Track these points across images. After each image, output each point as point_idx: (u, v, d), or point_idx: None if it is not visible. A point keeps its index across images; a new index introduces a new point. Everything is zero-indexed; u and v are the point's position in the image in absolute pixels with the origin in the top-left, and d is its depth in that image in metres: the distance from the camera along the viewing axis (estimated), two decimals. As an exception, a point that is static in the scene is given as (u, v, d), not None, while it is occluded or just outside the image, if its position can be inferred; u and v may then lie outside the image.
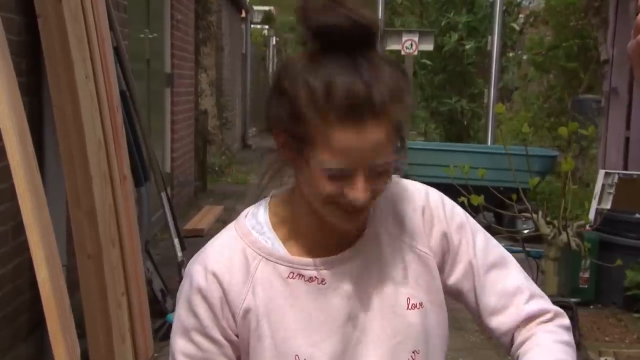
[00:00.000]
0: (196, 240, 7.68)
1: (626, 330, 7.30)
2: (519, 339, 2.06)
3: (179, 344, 2.03)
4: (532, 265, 7.05)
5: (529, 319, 2.06)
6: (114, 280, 4.20)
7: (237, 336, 2.02)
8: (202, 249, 2.11)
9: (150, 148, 5.59)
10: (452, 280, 2.10)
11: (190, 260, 2.09)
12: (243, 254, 1.99)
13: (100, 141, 4.15)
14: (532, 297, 2.09)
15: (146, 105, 7.15)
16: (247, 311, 2.00)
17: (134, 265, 4.49)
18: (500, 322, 2.07)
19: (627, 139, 8.76)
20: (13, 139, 2.96)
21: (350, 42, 1.77)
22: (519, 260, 6.87)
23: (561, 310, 2.12)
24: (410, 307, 2.04)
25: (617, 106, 8.57)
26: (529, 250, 7.34)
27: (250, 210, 2.11)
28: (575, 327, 5.31)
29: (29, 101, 3.95)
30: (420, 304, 2.06)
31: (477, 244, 2.09)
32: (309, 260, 1.98)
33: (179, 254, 5.81)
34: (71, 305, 3.74)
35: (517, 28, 15.41)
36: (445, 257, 2.09)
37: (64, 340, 3.05)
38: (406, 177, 7.60)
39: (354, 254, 1.99)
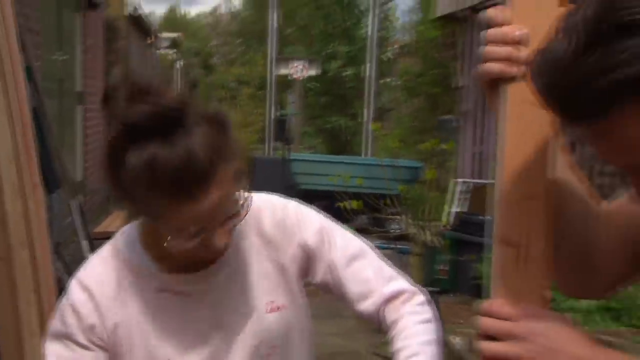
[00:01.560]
0: (105, 242, 7.71)
1: (474, 314, 7.41)
2: (387, 318, 2.11)
3: (50, 348, 2.02)
4: (401, 260, 7.08)
5: (391, 299, 2.10)
6: (23, 280, 4.17)
7: (106, 346, 2.01)
8: (83, 265, 2.10)
9: (61, 159, 5.58)
10: (318, 278, 2.15)
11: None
12: (116, 271, 2.00)
13: (10, 154, 4.15)
14: (390, 279, 2.15)
15: (58, 121, 7.07)
16: (118, 323, 2.00)
17: (44, 265, 4.45)
18: (366, 306, 2.11)
19: (480, 153, 9.14)
20: None
21: (162, 125, 1.71)
22: (390, 256, 7.15)
23: (417, 289, 2.17)
24: (269, 310, 2.09)
25: (469, 126, 8.88)
26: (398, 247, 7.55)
27: (125, 229, 2.12)
28: (435, 312, 5.53)
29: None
30: (279, 307, 2.10)
31: (337, 243, 2.12)
32: (178, 276, 2.01)
33: (87, 254, 5.86)
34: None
35: (390, 58, 15.88)
36: (308, 262, 2.13)
37: None
38: (296, 185, 7.88)
39: (218, 269, 2.02)
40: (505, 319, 1.52)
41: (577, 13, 1.34)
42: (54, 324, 2.03)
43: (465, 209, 7.69)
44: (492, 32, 1.55)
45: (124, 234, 2.11)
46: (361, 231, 9.32)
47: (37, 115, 4.98)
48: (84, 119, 9.05)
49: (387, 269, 2.18)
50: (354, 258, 2.11)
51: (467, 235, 6.95)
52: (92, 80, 9.71)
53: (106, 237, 7.60)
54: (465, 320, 7.21)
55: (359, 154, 12.90)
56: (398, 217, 8.03)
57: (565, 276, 1.73)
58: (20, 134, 4.38)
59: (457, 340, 5.04)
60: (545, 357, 1.49)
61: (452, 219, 7.21)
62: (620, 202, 1.80)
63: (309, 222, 2.12)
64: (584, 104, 1.34)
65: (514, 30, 1.53)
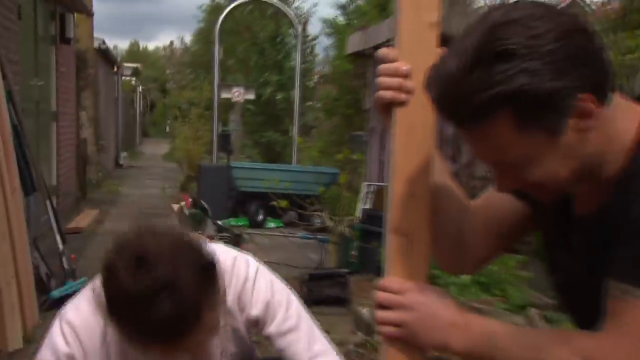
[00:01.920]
0: (76, 236, 7.58)
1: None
2: None
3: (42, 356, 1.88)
4: (321, 248, 7.16)
5: None
6: (5, 266, 4.11)
7: None
8: (72, 303, 1.93)
9: (38, 168, 5.50)
10: (264, 334, 2.04)
11: (62, 311, 1.91)
12: (102, 322, 1.81)
13: None
14: (317, 356, 2.01)
15: (35, 136, 6.91)
16: None
17: (22, 255, 4.40)
18: None
19: (382, 161, 9.23)
20: None
21: (153, 294, 1.60)
22: (312, 246, 7.07)
23: None
24: (222, 356, 2.00)
25: (375, 139, 8.93)
26: (319, 237, 7.54)
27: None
28: (348, 288, 5.50)
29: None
30: (231, 354, 2.03)
31: (276, 319, 2.01)
32: None
33: (60, 246, 5.68)
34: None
35: (313, 85, 15.94)
36: (256, 325, 2.04)
37: None
38: (236, 188, 7.70)
39: None
40: (396, 293, 1.54)
41: (465, 39, 1.38)
42: (45, 354, 1.87)
43: (371, 206, 7.73)
44: (384, 67, 1.56)
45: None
46: (289, 224, 9.39)
47: (17, 131, 4.91)
48: (57, 134, 8.85)
49: (318, 344, 2.04)
50: (289, 332, 2.00)
51: (373, 227, 6.93)
52: (65, 102, 9.52)
53: (76, 232, 7.53)
54: (370, 295, 7.24)
55: (289, 163, 12.81)
56: (319, 213, 8.00)
57: (443, 257, 1.75)
58: (1, 147, 4.31)
59: (364, 311, 5.07)
60: (426, 321, 1.52)
61: (361, 214, 7.21)
62: (485, 197, 1.84)
63: (260, 299, 1.99)
64: (467, 113, 1.39)
65: (401, 66, 1.55)
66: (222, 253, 1.93)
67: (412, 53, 1.57)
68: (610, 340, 1.40)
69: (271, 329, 1.98)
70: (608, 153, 1.51)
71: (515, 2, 1.54)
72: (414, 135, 1.61)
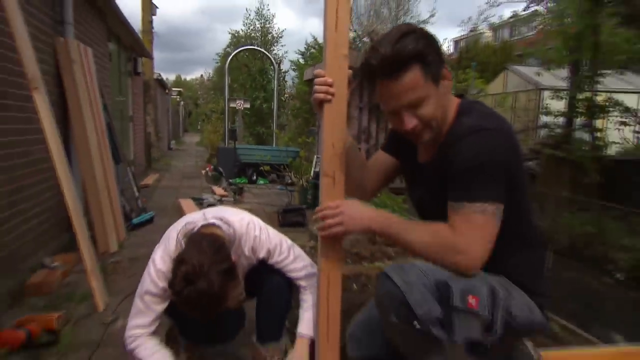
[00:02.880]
0: (145, 189, 7.44)
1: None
2: (301, 293, 1.96)
3: (145, 298, 1.77)
4: (290, 194, 6.99)
5: (301, 286, 1.95)
6: (105, 204, 4.04)
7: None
8: (159, 262, 1.77)
9: (122, 148, 5.46)
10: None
11: (155, 261, 1.78)
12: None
13: (96, 145, 3.97)
14: (302, 270, 1.96)
15: (120, 130, 6.77)
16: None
17: (114, 198, 4.30)
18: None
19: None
20: (53, 140, 2.87)
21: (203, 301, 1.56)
22: (284, 193, 6.93)
23: (314, 272, 1.94)
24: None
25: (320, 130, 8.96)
26: (289, 189, 7.54)
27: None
28: (305, 217, 5.40)
29: (60, 127, 3.80)
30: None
31: (277, 255, 1.93)
32: None
33: (136, 194, 5.59)
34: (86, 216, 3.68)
35: (284, 100, 15.86)
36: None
37: (82, 233, 2.95)
38: (240, 160, 7.46)
39: None
40: (332, 208, 1.55)
41: (387, 35, 1.46)
42: (149, 286, 1.76)
43: (318, 170, 7.73)
44: (318, 80, 1.55)
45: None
46: (271, 181, 9.24)
47: (109, 127, 4.86)
48: (133, 129, 8.67)
49: (301, 262, 1.96)
50: (284, 259, 1.93)
51: (319, 181, 6.96)
52: (137, 110, 9.30)
53: (145, 186, 7.45)
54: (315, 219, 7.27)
55: (270, 145, 12.78)
56: (288, 174, 7.96)
57: (351, 190, 1.71)
58: (100, 135, 4.22)
59: (314, 228, 5.06)
60: (355, 216, 1.54)
61: (313, 174, 7.20)
62: (374, 158, 1.86)
63: (264, 248, 1.91)
64: (394, 68, 1.42)
65: (328, 79, 1.55)
66: (238, 221, 1.86)
67: (333, 72, 1.57)
68: (452, 225, 1.42)
69: (272, 260, 1.92)
70: (446, 116, 1.55)
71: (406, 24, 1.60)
72: (334, 119, 1.61)
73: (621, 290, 3.92)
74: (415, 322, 1.39)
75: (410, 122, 1.48)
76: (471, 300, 1.38)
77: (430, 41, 1.44)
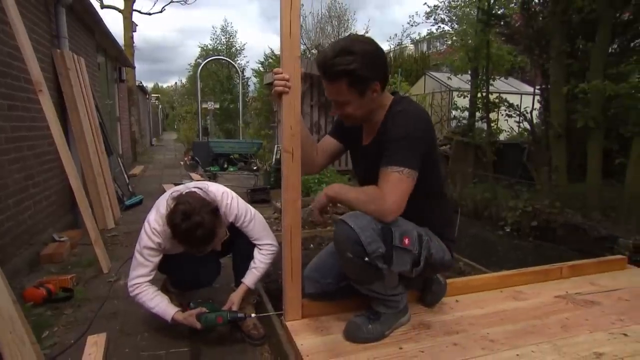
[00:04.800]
0: (133, 177, 7.18)
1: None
2: (256, 254, 1.91)
3: (144, 252, 1.76)
4: (256, 177, 6.90)
5: (260, 246, 1.91)
6: (103, 184, 3.92)
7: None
8: (152, 221, 1.76)
9: (113, 143, 5.29)
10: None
11: (149, 221, 1.77)
12: (166, 232, 1.71)
13: (91, 139, 3.82)
14: (262, 238, 1.91)
15: (110, 128, 6.51)
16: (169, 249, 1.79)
17: (109, 183, 4.16)
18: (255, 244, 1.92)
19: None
20: (58, 135, 2.78)
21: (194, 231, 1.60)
22: (251, 177, 6.82)
23: (275, 242, 1.92)
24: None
25: (280, 125, 8.91)
26: (254, 173, 7.48)
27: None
28: (269, 195, 5.32)
29: (60, 124, 3.77)
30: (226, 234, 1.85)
31: (242, 220, 1.88)
32: None
33: (127, 181, 5.45)
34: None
35: (248, 101, 15.58)
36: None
37: (86, 209, 2.88)
38: (212, 151, 7.31)
39: None
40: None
41: (333, 45, 1.51)
42: (146, 242, 1.75)
43: (278, 157, 7.68)
44: (277, 76, 1.58)
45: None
46: (240, 169, 9.08)
47: (102, 125, 4.69)
48: (120, 128, 8.33)
49: (264, 231, 1.91)
50: (248, 224, 1.89)
51: (280, 166, 6.89)
52: (123, 112, 8.90)
53: (133, 175, 7.25)
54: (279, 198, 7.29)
55: (238, 138, 12.59)
56: (254, 161, 7.91)
57: (304, 166, 1.69)
58: (94, 131, 4.08)
59: (277, 204, 5.03)
60: (318, 197, 1.61)
61: (274, 161, 7.19)
62: (322, 141, 1.88)
63: (233, 213, 1.85)
64: (330, 75, 1.50)
65: (285, 75, 1.58)
66: (216, 191, 1.84)
67: (289, 69, 1.59)
68: (380, 186, 1.48)
69: (239, 224, 1.88)
70: (379, 110, 1.62)
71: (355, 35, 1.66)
72: (291, 106, 1.61)
73: (508, 239, 4.12)
74: (366, 257, 1.44)
75: (337, 111, 1.59)
76: (406, 240, 1.49)
77: (365, 62, 1.48)
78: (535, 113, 5.58)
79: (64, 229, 3.60)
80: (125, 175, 5.62)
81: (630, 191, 3.73)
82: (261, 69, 16.30)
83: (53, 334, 2.01)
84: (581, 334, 1.65)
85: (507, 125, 6.87)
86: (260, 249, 1.92)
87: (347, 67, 1.45)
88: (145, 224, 1.80)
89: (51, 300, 2.26)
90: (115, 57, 8.00)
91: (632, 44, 4.44)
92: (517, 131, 6.70)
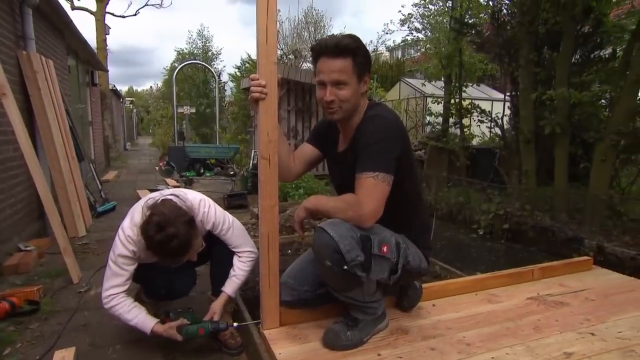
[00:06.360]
0: (106, 183, 6.94)
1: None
2: (235, 263, 1.88)
3: (119, 260, 1.70)
4: (233, 182, 6.91)
5: (239, 254, 1.88)
6: (73, 190, 3.76)
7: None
8: (127, 228, 1.70)
9: (84, 148, 5.11)
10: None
11: (123, 229, 1.72)
12: (141, 241, 1.65)
13: (61, 144, 3.68)
14: (241, 246, 1.88)
15: (81, 133, 6.30)
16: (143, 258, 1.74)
17: (80, 190, 4.02)
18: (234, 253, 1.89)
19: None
20: (24, 141, 2.72)
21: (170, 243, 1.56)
22: (228, 183, 6.73)
23: (254, 250, 1.88)
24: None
25: (257, 130, 8.88)
26: (231, 179, 7.41)
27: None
28: (246, 200, 5.22)
29: (27, 129, 3.60)
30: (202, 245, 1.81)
31: (221, 228, 1.84)
32: None
33: (99, 187, 5.27)
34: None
35: (224, 106, 15.41)
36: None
37: (55, 217, 2.76)
38: (188, 156, 7.21)
39: None
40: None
41: (335, 36, 1.57)
42: (121, 250, 1.69)
43: (255, 162, 7.66)
44: (253, 82, 1.57)
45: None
46: (216, 174, 8.92)
47: (72, 130, 4.54)
48: (92, 132, 8.09)
49: (241, 238, 1.88)
50: (226, 232, 1.85)
51: (256, 171, 6.85)
52: (95, 116, 8.63)
53: (106, 181, 7.05)
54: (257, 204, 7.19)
55: (214, 142, 12.43)
56: (231, 166, 7.84)
57: (281, 175, 1.69)
58: (64, 136, 3.96)
59: (254, 210, 5.04)
60: (297, 211, 1.59)
61: (251, 166, 7.14)
62: (299, 149, 1.87)
63: (210, 221, 1.82)
64: (338, 50, 1.51)
65: (262, 81, 1.57)
66: (193, 199, 1.80)
67: (266, 76, 1.58)
68: (356, 193, 1.48)
69: (217, 232, 1.85)
70: (357, 113, 1.62)
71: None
72: (267, 113, 1.61)
73: (481, 242, 4.21)
74: (345, 266, 1.43)
75: (331, 95, 1.56)
76: (384, 248, 1.49)
77: (365, 51, 1.56)
78: (505, 119, 5.73)
79: (31, 237, 3.44)
80: (98, 181, 5.45)
81: (593, 194, 3.85)
82: (238, 73, 16.22)
83: (16, 351, 1.91)
84: (552, 334, 1.69)
85: (479, 131, 7.05)
86: (239, 257, 1.89)
87: (354, 45, 1.52)
88: (120, 231, 1.74)
89: (15, 314, 2.15)
90: (87, 60, 7.79)
91: (592, 55, 4.64)
92: (488, 136, 6.86)
